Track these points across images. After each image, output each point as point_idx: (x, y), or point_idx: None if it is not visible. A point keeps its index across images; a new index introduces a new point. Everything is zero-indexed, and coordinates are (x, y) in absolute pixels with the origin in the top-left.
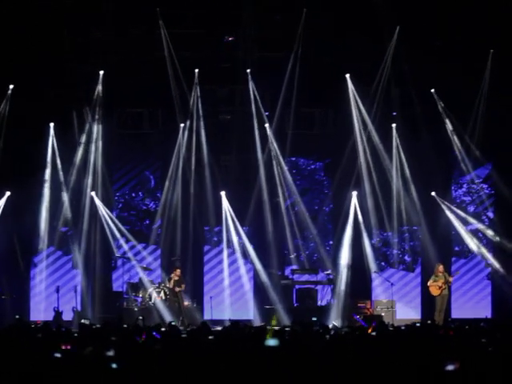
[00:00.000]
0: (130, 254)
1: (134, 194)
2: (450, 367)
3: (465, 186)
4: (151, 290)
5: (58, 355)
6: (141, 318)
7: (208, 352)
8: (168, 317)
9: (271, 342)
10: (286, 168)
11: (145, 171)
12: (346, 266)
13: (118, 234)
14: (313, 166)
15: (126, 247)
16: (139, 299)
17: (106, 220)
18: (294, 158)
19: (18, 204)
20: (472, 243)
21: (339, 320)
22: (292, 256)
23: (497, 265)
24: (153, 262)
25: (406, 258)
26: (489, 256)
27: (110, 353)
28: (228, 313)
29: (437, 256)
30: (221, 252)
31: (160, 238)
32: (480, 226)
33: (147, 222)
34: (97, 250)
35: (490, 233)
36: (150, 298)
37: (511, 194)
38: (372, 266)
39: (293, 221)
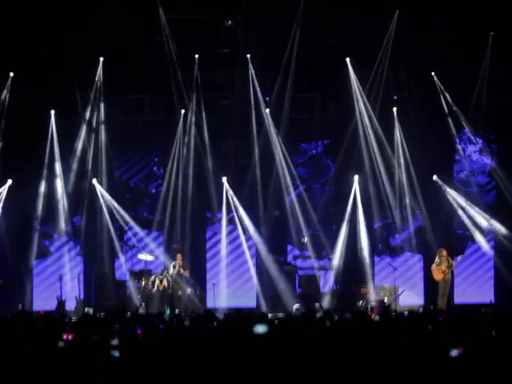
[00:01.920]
0: (133, 242)
1: (135, 181)
2: (454, 353)
3: (465, 172)
4: (154, 277)
5: (62, 344)
6: (143, 304)
7: (211, 339)
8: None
9: (260, 328)
10: (286, 153)
11: (146, 157)
12: (342, 251)
13: (121, 221)
14: (314, 151)
15: (129, 234)
16: (142, 287)
17: (108, 207)
18: (294, 143)
19: (18, 193)
20: (473, 229)
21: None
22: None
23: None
24: (156, 248)
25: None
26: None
27: (114, 341)
28: (230, 300)
29: (439, 240)
30: (223, 238)
31: (163, 224)
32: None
33: (149, 208)
34: (102, 238)
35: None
36: (153, 286)
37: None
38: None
39: (295, 206)
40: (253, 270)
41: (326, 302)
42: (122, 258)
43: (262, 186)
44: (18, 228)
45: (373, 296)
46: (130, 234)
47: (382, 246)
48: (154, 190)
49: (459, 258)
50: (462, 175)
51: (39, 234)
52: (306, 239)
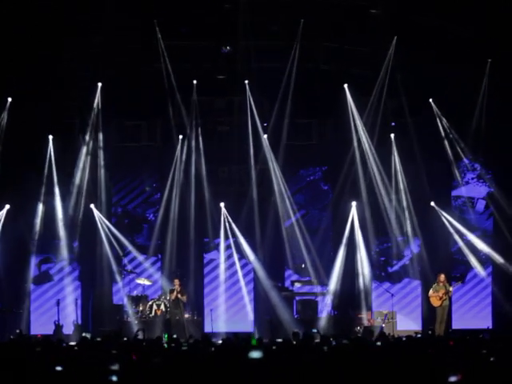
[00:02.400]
0: (129, 267)
1: (133, 206)
2: (453, 379)
3: (462, 198)
4: (151, 302)
5: (59, 368)
6: (141, 329)
7: (209, 364)
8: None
9: (255, 353)
10: (283, 179)
11: (143, 183)
12: (339, 277)
13: (118, 247)
14: (312, 177)
15: (127, 259)
16: (139, 312)
17: (105, 233)
18: (292, 169)
19: (16, 217)
20: (471, 255)
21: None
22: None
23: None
24: (153, 273)
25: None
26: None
27: (115, 366)
28: (227, 325)
29: (437, 266)
30: (221, 264)
31: (160, 250)
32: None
33: (147, 233)
34: (100, 263)
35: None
36: (151, 311)
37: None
38: (370, 276)
39: (293, 232)
40: (250, 296)
41: (323, 327)
42: (119, 283)
43: (260, 211)
44: (15, 253)
45: (371, 322)
46: (127, 259)
47: (380, 271)
48: (151, 216)
49: (457, 285)
50: (459, 202)
51: (37, 259)
52: (304, 265)
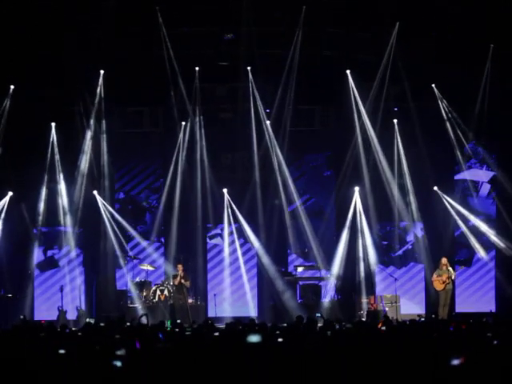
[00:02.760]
0: (133, 253)
1: (136, 192)
2: (456, 362)
3: (465, 183)
4: (155, 288)
5: (62, 351)
6: (144, 314)
7: (213, 349)
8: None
9: (253, 337)
10: (286, 165)
11: (146, 169)
12: (342, 262)
13: (121, 232)
14: (315, 163)
15: (130, 245)
16: (143, 297)
17: (109, 219)
18: (295, 155)
19: (19, 204)
20: (473, 239)
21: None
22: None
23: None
24: (157, 259)
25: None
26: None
27: (121, 352)
28: (232, 310)
29: (440, 251)
30: (224, 249)
31: (163, 235)
32: (480, 223)
33: (150, 219)
34: (104, 248)
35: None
36: (154, 296)
37: None
38: (373, 260)
39: (296, 217)
40: (253, 282)
41: (326, 311)
42: (123, 269)
43: (263, 197)
44: (18, 239)
45: (374, 306)
46: (131, 245)
47: (383, 256)
48: (154, 202)
49: (460, 269)
50: (462, 186)
51: (42, 245)
52: (307, 250)
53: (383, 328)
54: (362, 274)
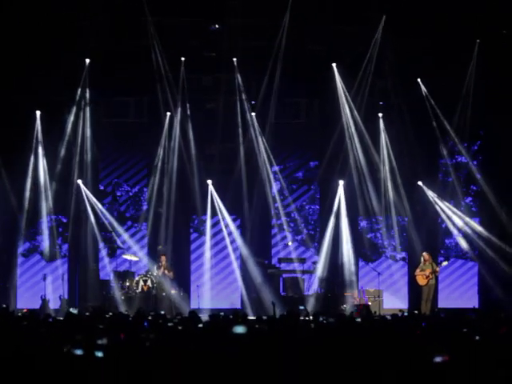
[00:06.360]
0: (117, 243)
1: (120, 182)
2: (439, 359)
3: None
4: (138, 278)
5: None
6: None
7: (197, 340)
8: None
9: (239, 329)
10: (271, 157)
11: (131, 159)
12: (326, 255)
13: (105, 222)
14: (300, 155)
15: (113, 235)
16: (126, 288)
17: (92, 208)
18: (280, 147)
19: (4, 193)
20: (460, 237)
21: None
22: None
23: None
24: (140, 249)
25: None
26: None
27: (103, 341)
28: (214, 302)
29: (424, 245)
30: (207, 241)
31: (147, 226)
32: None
33: (134, 210)
34: (87, 238)
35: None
36: (137, 287)
37: (496, 187)
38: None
39: (280, 209)
40: (237, 273)
41: (309, 305)
42: (106, 259)
43: (247, 189)
44: (2, 228)
45: (357, 300)
46: (114, 234)
47: (367, 250)
48: (138, 192)
49: (443, 264)
50: (446, 180)
51: (26, 233)
52: (291, 242)
53: (358, 319)
54: (345, 267)
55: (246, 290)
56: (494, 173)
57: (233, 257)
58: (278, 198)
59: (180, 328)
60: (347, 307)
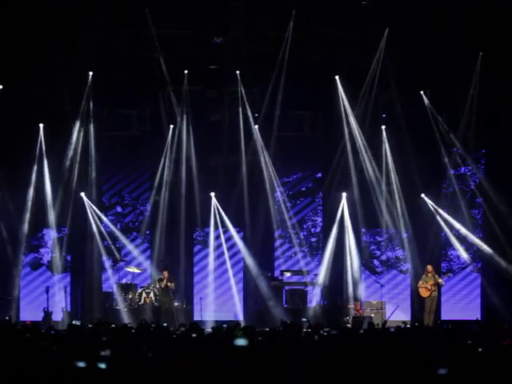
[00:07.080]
0: (121, 255)
1: (123, 195)
2: (442, 371)
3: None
4: (140, 290)
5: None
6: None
7: (200, 352)
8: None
9: (240, 341)
10: (274, 169)
11: (134, 172)
12: (328, 267)
13: (108, 235)
14: (303, 168)
15: (116, 247)
16: (129, 300)
17: (95, 220)
18: (283, 159)
19: (6, 204)
20: (461, 249)
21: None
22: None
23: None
24: (143, 261)
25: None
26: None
27: (106, 352)
28: (217, 314)
29: (426, 258)
30: (211, 253)
31: (150, 238)
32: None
33: (136, 223)
34: (90, 250)
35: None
36: (140, 299)
37: (500, 201)
38: (357, 266)
39: (283, 221)
40: (240, 285)
41: (312, 317)
42: (109, 271)
43: (250, 201)
44: (4, 240)
45: (360, 312)
46: (117, 246)
47: (370, 262)
48: (141, 206)
49: (446, 277)
50: (449, 193)
51: (29, 245)
52: (294, 255)
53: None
54: (349, 279)
55: (250, 301)
56: (497, 184)
57: (236, 269)
58: (283, 209)
59: (182, 340)
60: (350, 319)
